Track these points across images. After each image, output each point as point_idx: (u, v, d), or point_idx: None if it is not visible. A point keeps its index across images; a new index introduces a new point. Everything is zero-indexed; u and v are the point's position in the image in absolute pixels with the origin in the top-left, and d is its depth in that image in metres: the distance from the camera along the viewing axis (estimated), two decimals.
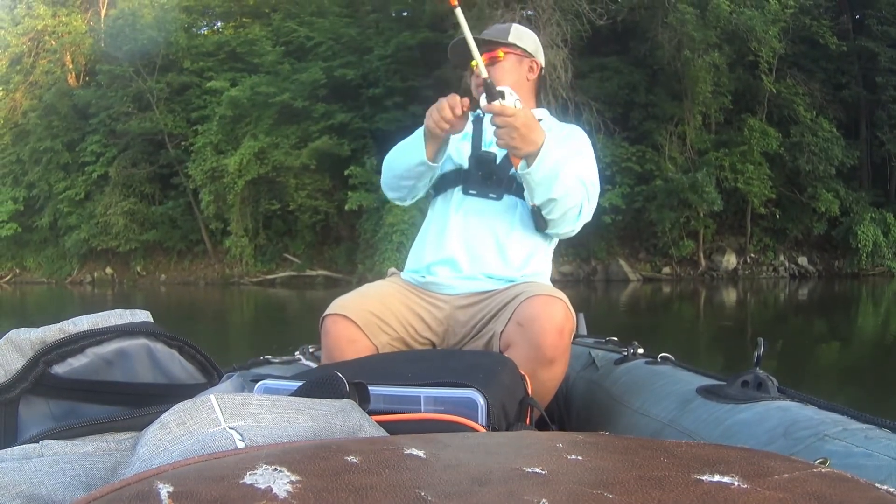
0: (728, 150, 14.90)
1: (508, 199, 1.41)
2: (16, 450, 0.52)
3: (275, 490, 0.34)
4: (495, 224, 1.40)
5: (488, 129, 1.39)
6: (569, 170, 1.30)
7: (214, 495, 0.33)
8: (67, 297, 16.11)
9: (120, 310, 0.74)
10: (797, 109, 15.26)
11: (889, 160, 16.19)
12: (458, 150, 1.46)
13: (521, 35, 1.54)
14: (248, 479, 0.35)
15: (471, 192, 1.43)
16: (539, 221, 1.36)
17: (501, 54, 1.48)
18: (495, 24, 1.57)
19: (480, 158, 1.43)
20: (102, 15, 20.73)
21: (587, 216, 1.38)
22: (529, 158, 1.25)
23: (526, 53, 1.52)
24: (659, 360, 1.28)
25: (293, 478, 0.36)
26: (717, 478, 0.37)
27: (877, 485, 0.39)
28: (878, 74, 15.99)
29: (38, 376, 0.68)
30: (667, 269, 15.07)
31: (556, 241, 1.49)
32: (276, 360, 1.45)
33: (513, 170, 1.35)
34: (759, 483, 0.37)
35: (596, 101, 14.24)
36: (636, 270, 14.75)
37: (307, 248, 17.29)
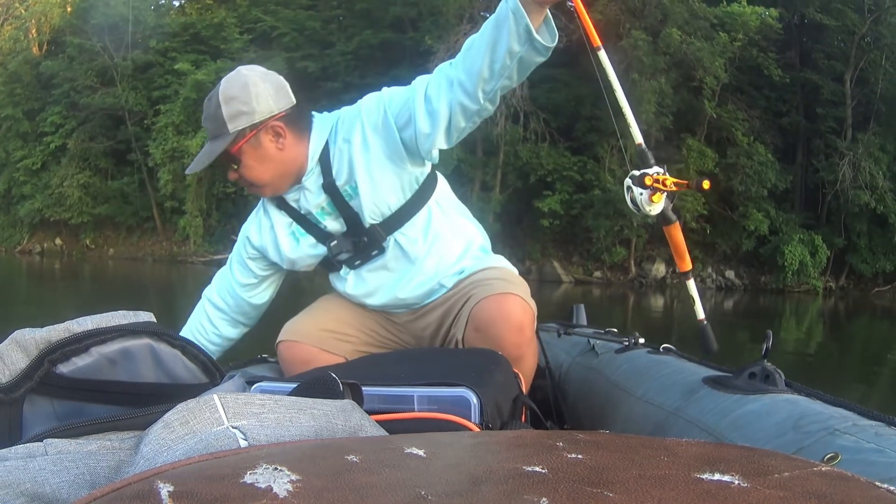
0: (665, 167, 15.58)
1: (389, 240, 1.30)
2: (20, 448, 0.52)
3: (275, 489, 0.34)
4: (398, 269, 1.32)
5: (313, 208, 1.31)
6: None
7: (215, 494, 0.34)
8: (16, 267, 16.13)
9: (123, 310, 0.75)
10: (735, 133, 16.09)
11: (822, 186, 17.03)
12: (314, 247, 1.34)
13: (238, 109, 1.21)
14: (248, 479, 0.36)
15: (356, 264, 1.33)
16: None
17: (236, 156, 1.24)
18: (206, 111, 1.25)
19: (338, 241, 1.31)
20: None
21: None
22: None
23: (254, 126, 1.22)
24: (661, 350, 1.27)
25: (293, 477, 0.36)
26: (717, 476, 0.37)
27: (877, 483, 0.39)
28: (819, 106, 16.91)
29: (43, 375, 0.68)
30: (598, 273, 15.69)
31: (461, 217, 1.38)
32: (273, 360, 1.44)
33: (364, 210, 1.27)
34: (760, 482, 0.37)
35: (543, 110, 14.82)
36: (569, 273, 15.32)
37: None
